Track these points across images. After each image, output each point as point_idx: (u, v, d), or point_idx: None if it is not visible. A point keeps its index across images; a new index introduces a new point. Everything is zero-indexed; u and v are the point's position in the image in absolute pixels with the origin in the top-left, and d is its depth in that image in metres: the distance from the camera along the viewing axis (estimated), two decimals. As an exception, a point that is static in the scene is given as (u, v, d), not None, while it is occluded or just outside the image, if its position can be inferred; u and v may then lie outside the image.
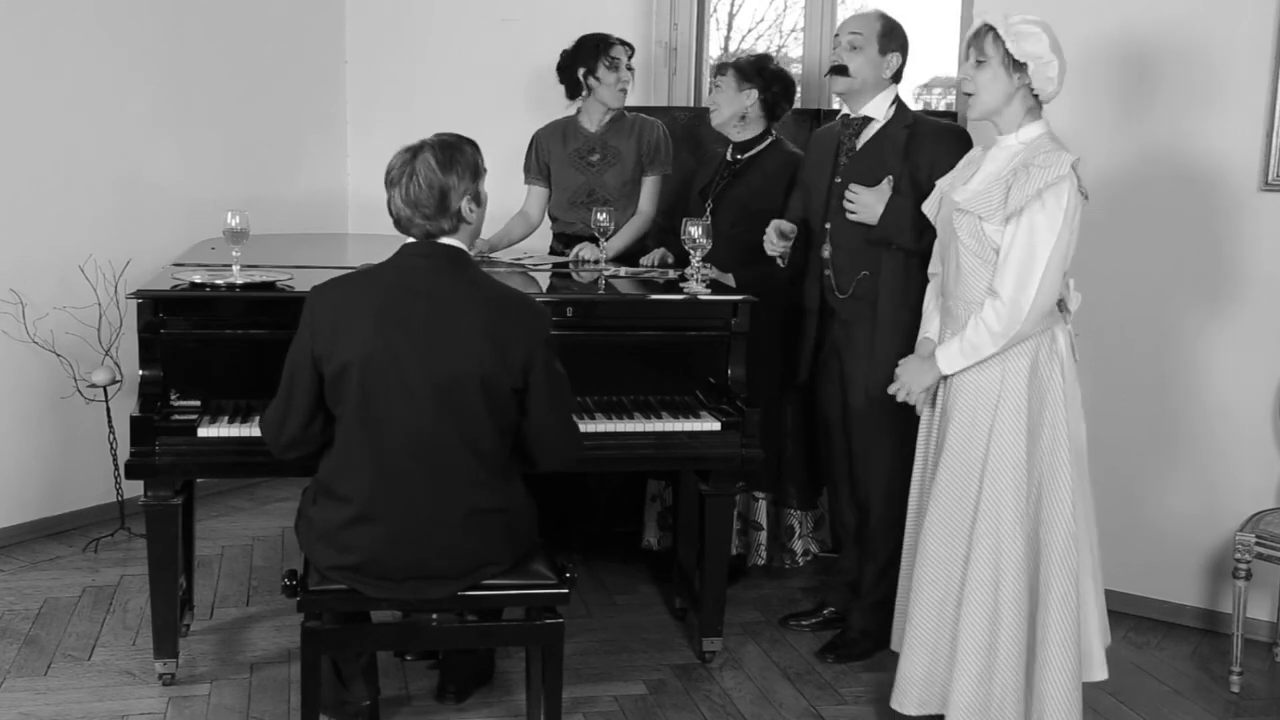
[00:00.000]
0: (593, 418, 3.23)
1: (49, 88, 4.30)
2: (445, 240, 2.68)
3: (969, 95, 2.94)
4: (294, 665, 3.27)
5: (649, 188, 4.18)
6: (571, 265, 3.93)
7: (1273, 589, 3.74)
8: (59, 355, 4.34)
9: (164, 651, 3.26)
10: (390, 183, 2.65)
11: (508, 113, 4.84)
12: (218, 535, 4.49)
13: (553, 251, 4.26)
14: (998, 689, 2.87)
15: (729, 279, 3.70)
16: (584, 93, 4.12)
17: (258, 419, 3.02)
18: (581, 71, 4.09)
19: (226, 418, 3.10)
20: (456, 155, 2.65)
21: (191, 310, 3.17)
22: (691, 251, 3.47)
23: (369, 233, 4.93)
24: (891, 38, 3.42)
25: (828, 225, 3.49)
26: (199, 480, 3.90)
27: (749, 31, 5.66)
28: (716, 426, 3.26)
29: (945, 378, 3.00)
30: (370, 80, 5.30)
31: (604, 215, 3.81)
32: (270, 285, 3.25)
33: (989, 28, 2.87)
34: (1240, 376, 3.73)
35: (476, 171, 2.68)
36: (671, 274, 3.77)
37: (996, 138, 2.98)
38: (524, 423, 2.72)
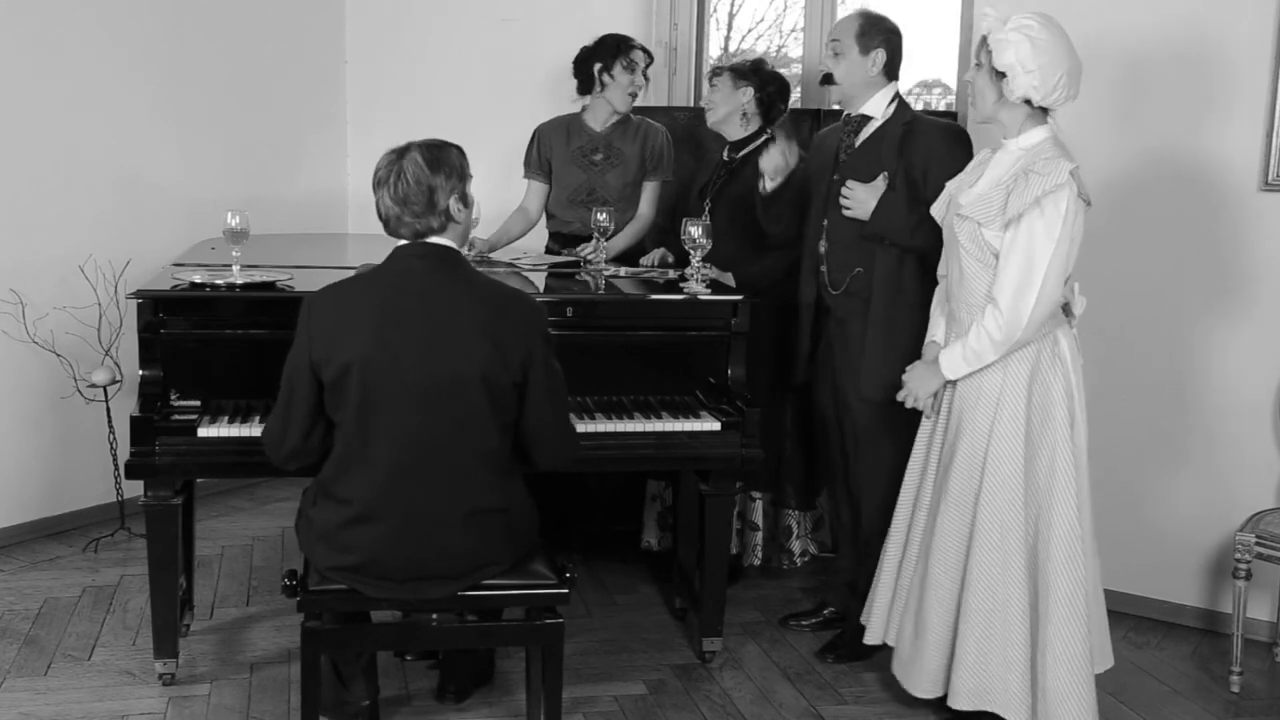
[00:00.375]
0: (593, 418, 3.23)
1: (49, 88, 4.30)
2: (437, 240, 2.68)
3: (973, 100, 2.99)
4: (294, 665, 3.27)
5: (649, 192, 4.18)
6: (579, 258, 3.92)
7: (1273, 589, 3.74)
8: (59, 355, 4.34)
9: (164, 651, 3.26)
10: (378, 183, 2.67)
11: (508, 112, 4.84)
12: (218, 535, 4.49)
13: (549, 251, 4.26)
14: (998, 680, 2.93)
15: (729, 278, 3.70)
16: (595, 89, 4.12)
17: (258, 420, 3.04)
18: (598, 67, 4.08)
19: (226, 418, 3.10)
20: (442, 156, 2.67)
21: (191, 310, 3.17)
22: (691, 251, 3.48)
23: (369, 233, 4.93)
24: (871, 35, 3.41)
25: (825, 221, 3.50)
26: (199, 480, 3.90)
27: (749, 31, 5.66)
28: (716, 426, 3.26)
29: (950, 383, 3.01)
30: (370, 80, 5.30)
31: (604, 215, 3.81)
32: (270, 285, 3.25)
33: (985, 35, 2.90)
34: (1240, 376, 3.73)
35: (463, 173, 2.70)
36: (671, 274, 3.78)
37: (1001, 141, 2.99)
38: (522, 420, 2.72)
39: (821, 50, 4.59)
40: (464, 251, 2.77)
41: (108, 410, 4.34)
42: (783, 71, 4.00)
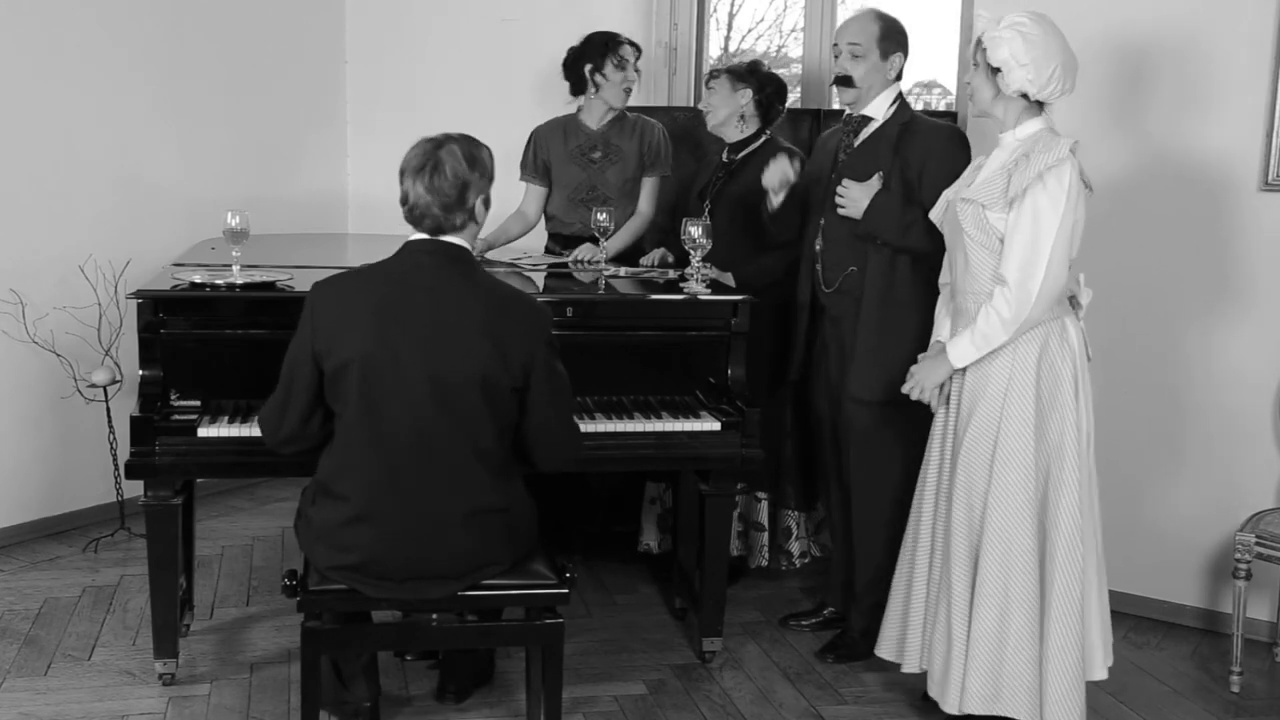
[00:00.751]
0: (593, 418, 3.23)
1: (49, 88, 4.30)
2: (450, 239, 2.68)
3: (971, 96, 3.00)
4: (294, 665, 3.27)
5: (648, 189, 4.18)
6: (571, 265, 3.93)
7: (1273, 589, 3.74)
8: (59, 355, 4.34)
9: (164, 651, 3.26)
10: (412, 170, 2.64)
11: (508, 113, 4.83)
12: (218, 535, 4.49)
13: (549, 252, 4.26)
14: (1008, 678, 2.90)
15: (728, 278, 3.70)
16: (589, 90, 4.12)
17: (257, 417, 3.03)
18: (588, 68, 4.08)
19: (226, 418, 3.10)
20: (478, 153, 2.69)
21: (191, 310, 3.17)
22: (691, 251, 3.48)
23: (369, 233, 4.94)
24: (891, 39, 3.42)
25: (822, 221, 3.50)
26: (199, 480, 3.90)
27: (749, 31, 5.66)
28: (716, 426, 3.26)
29: (959, 373, 3.00)
30: (370, 80, 5.30)
31: (604, 215, 3.81)
32: (270, 285, 3.25)
33: (980, 35, 2.93)
34: (1240, 376, 3.73)
35: (491, 175, 2.72)
36: (671, 274, 3.78)
37: (998, 135, 3.01)
38: (524, 422, 2.72)
39: (822, 50, 4.60)
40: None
41: (108, 410, 4.34)
42: (783, 71, 4.01)
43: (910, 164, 3.33)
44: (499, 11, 5.03)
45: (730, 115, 3.86)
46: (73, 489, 4.49)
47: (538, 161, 4.22)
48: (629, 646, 3.65)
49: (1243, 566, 3.40)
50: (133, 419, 3.02)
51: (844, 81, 3.43)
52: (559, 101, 4.25)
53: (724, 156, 3.97)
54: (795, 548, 4.08)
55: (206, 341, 3.18)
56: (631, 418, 3.26)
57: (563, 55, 4.16)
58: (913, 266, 3.33)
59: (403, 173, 2.67)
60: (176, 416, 3.07)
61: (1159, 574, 3.91)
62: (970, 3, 4.05)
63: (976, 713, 2.95)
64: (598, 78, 4.08)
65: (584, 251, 3.95)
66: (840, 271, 3.46)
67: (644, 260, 3.99)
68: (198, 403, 3.13)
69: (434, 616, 2.78)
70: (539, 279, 3.75)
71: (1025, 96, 2.91)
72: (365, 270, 2.73)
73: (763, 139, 3.90)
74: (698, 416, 3.29)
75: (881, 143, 3.40)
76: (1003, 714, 2.92)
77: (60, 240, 4.35)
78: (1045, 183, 2.81)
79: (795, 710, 3.30)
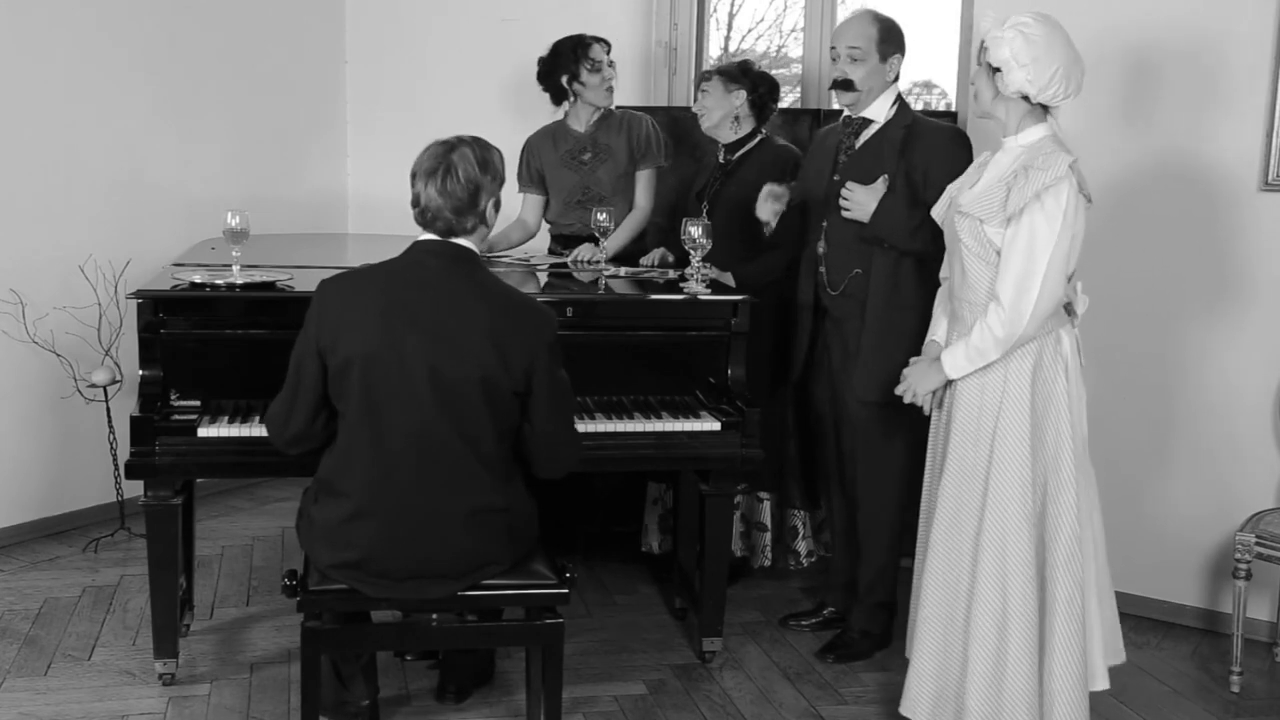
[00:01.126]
0: (593, 418, 3.23)
1: (49, 88, 4.30)
2: (459, 241, 2.68)
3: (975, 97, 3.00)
4: (294, 665, 3.27)
5: (644, 182, 4.18)
6: (571, 265, 3.93)
7: (1273, 589, 3.74)
8: (59, 355, 4.34)
9: (164, 651, 3.26)
10: (425, 173, 2.64)
11: (508, 113, 4.84)
12: (218, 535, 4.49)
13: (551, 253, 4.26)
14: (1009, 695, 2.84)
15: (728, 278, 3.70)
16: (570, 98, 4.13)
17: (258, 419, 3.04)
18: (565, 78, 4.10)
19: (226, 418, 3.10)
20: (490, 157, 2.69)
21: (191, 310, 3.17)
22: (691, 251, 3.48)
23: (369, 233, 4.94)
24: (890, 41, 3.41)
25: (825, 223, 3.50)
26: (199, 480, 3.90)
27: (749, 31, 5.65)
28: (716, 426, 3.26)
29: (951, 382, 3.00)
30: (370, 80, 5.30)
31: (604, 215, 3.81)
32: (270, 285, 3.25)
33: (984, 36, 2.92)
34: (1241, 376, 3.73)
35: (502, 179, 2.72)
36: (671, 274, 3.78)
37: (1001, 140, 2.99)
38: (525, 428, 2.72)
39: (822, 50, 4.60)
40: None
41: (108, 410, 4.34)
42: (783, 71, 4.01)
43: (915, 166, 3.33)
44: (499, 11, 5.03)
45: (724, 117, 3.86)
46: (73, 489, 4.50)
47: (531, 171, 4.24)
48: (629, 646, 3.65)
49: (1243, 566, 3.40)
50: (133, 419, 3.02)
51: (844, 86, 3.41)
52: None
53: (720, 157, 3.97)
54: (802, 547, 4.08)
55: (206, 341, 3.18)
56: (631, 418, 3.26)
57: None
58: (918, 268, 3.33)
59: (414, 175, 2.67)
60: (176, 416, 3.07)
61: (1159, 574, 3.91)
62: (970, 2, 4.05)
63: None
64: (576, 85, 4.10)
65: (584, 251, 3.95)
66: (845, 274, 3.46)
67: (644, 260, 3.99)
68: (198, 403, 3.13)
69: (434, 616, 2.78)
70: (541, 279, 3.75)
71: (1026, 99, 2.89)
72: (371, 269, 2.73)
73: (758, 138, 3.90)
74: (698, 416, 3.29)
75: (884, 145, 3.40)
76: None
77: (60, 240, 4.35)
78: (1043, 202, 2.80)
79: (795, 710, 3.30)
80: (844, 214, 3.36)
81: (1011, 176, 2.86)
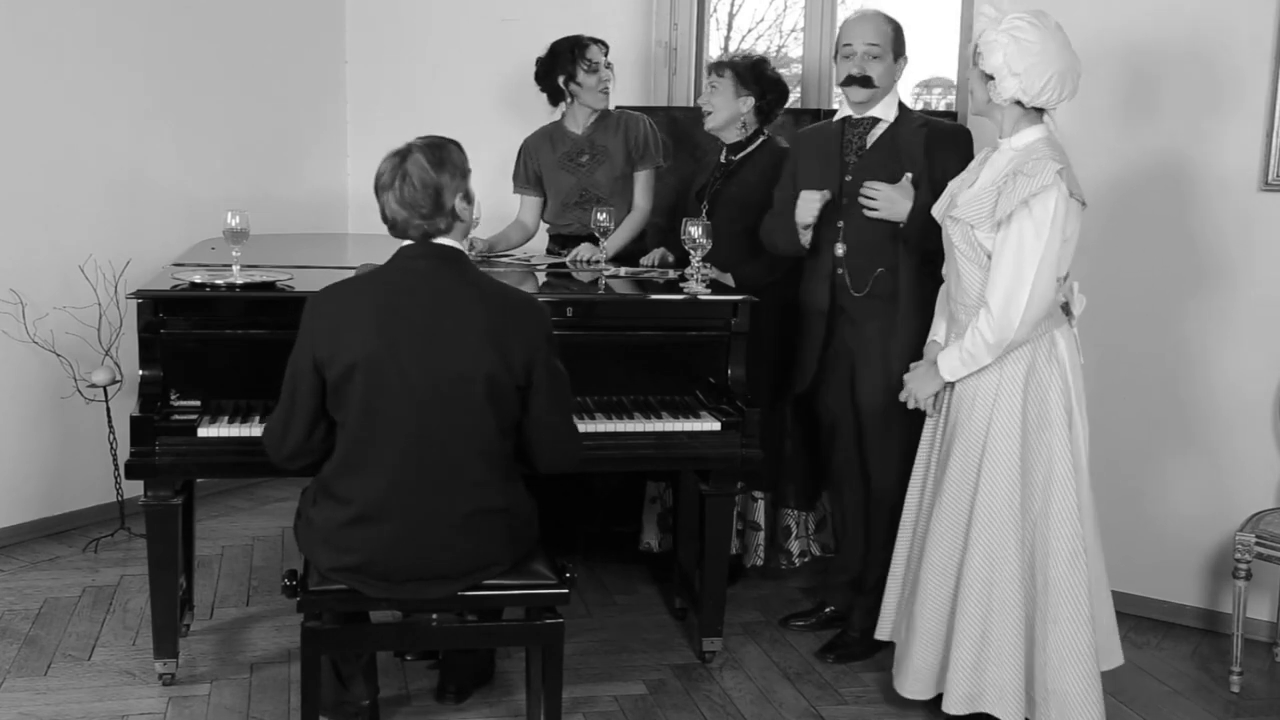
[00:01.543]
0: (593, 418, 3.23)
1: (49, 88, 4.30)
2: (442, 240, 2.68)
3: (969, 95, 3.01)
4: (294, 665, 3.27)
5: (642, 182, 4.18)
6: (571, 265, 3.93)
7: (1273, 589, 3.74)
8: (59, 355, 4.34)
9: (164, 651, 3.26)
10: (381, 187, 2.65)
11: (508, 113, 4.84)
12: (218, 535, 4.49)
13: (550, 253, 4.26)
14: (991, 684, 2.94)
15: (727, 279, 3.70)
16: (567, 99, 4.13)
17: (258, 419, 3.04)
18: (562, 79, 4.10)
19: (226, 418, 3.10)
20: (445, 154, 2.66)
21: (191, 310, 3.17)
22: (691, 251, 3.47)
23: (369, 233, 4.93)
24: (900, 42, 3.44)
25: (840, 224, 3.47)
26: (199, 480, 3.90)
27: (749, 31, 5.66)
28: (716, 426, 3.26)
29: (949, 384, 3.02)
30: (370, 80, 5.30)
31: (604, 215, 3.81)
32: (270, 285, 3.25)
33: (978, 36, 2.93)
34: (1241, 376, 3.73)
35: (465, 170, 2.69)
36: (671, 274, 3.78)
37: (997, 140, 3.00)
38: (525, 422, 2.72)
39: (822, 50, 4.60)
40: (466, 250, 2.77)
41: (108, 410, 4.34)
42: (783, 72, 4.00)
43: (936, 165, 3.31)
44: (499, 11, 5.03)
45: (730, 120, 3.85)
46: (73, 489, 4.50)
47: (529, 173, 4.24)
48: (629, 646, 3.65)
49: (1243, 566, 3.40)
50: (133, 419, 3.02)
51: (864, 82, 3.39)
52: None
53: (722, 157, 3.97)
54: (795, 547, 4.08)
55: (206, 341, 3.18)
56: (631, 418, 3.26)
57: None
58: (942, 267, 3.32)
59: (375, 190, 2.67)
60: (176, 416, 3.06)
61: (1159, 574, 3.91)
62: (970, 2, 4.05)
63: (959, 713, 2.99)
64: (572, 86, 4.10)
65: (584, 251, 3.95)
66: (869, 274, 3.42)
67: (644, 260, 3.99)
68: (198, 403, 3.13)
69: (434, 616, 2.78)
70: (540, 279, 3.75)
71: (1020, 104, 2.90)
72: (362, 277, 2.73)
73: (761, 140, 3.90)
74: (698, 416, 3.29)
75: (897, 143, 3.39)
76: (986, 711, 2.97)
77: (60, 240, 4.35)
78: (1031, 209, 2.81)
79: (795, 710, 3.30)
80: (869, 214, 3.32)
81: (1002, 181, 2.87)
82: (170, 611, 3.22)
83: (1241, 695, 3.45)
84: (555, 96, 4.17)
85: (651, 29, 4.79)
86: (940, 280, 3.22)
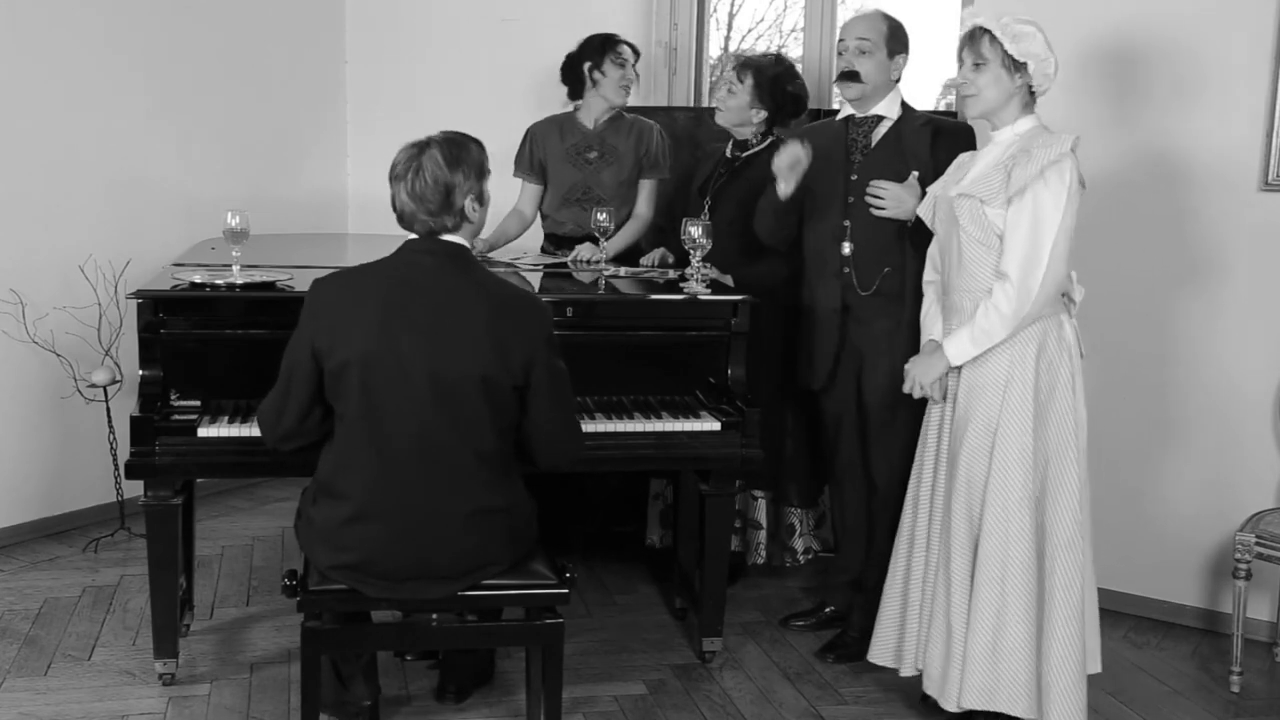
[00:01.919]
0: (593, 418, 3.23)
1: (49, 88, 4.30)
2: (448, 238, 2.68)
3: (968, 97, 2.97)
4: (294, 665, 3.27)
5: (646, 191, 4.17)
6: (571, 265, 3.93)
7: (1273, 589, 3.74)
8: (59, 355, 4.34)
9: (164, 651, 3.26)
10: (395, 177, 2.65)
11: (508, 113, 4.83)
12: (218, 535, 4.49)
13: (544, 252, 4.26)
14: (1005, 675, 2.91)
15: (728, 279, 3.70)
16: (587, 87, 4.11)
17: (256, 414, 3.03)
18: (587, 66, 4.08)
19: (226, 418, 3.10)
20: (463, 153, 2.65)
21: (191, 310, 3.17)
22: (691, 251, 3.47)
23: (369, 233, 4.94)
24: (897, 39, 3.43)
25: (847, 223, 3.47)
26: (199, 480, 3.90)
27: (749, 31, 5.66)
28: (716, 426, 3.26)
29: (955, 370, 3.00)
30: (370, 81, 5.30)
31: (604, 215, 3.81)
32: (270, 285, 3.25)
33: (984, 30, 2.91)
34: (1240, 376, 3.73)
35: (481, 171, 2.69)
36: (671, 274, 3.78)
37: (990, 134, 3.02)
38: (525, 421, 2.72)
39: (822, 50, 4.60)
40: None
41: (108, 410, 4.34)
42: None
43: (943, 163, 3.30)
44: (499, 11, 5.03)
45: (741, 124, 3.86)
46: (73, 489, 4.49)
47: (534, 159, 4.22)
48: (629, 646, 3.65)
49: (1243, 566, 3.40)
50: (133, 419, 3.02)
51: (850, 76, 3.41)
52: (558, 102, 4.25)
53: (729, 153, 3.96)
54: (799, 544, 4.08)
55: (206, 341, 3.18)
56: (631, 418, 3.26)
57: (563, 55, 4.16)
58: None
59: (390, 178, 2.67)
60: (176, 416, 3.06)
61: (1159, 574, 3.91)
62: (971, 2, 4.05)
63: (976, 708, 2.96)
64: (596, 74, 4.07)
65: (584, 251, 3.95)
66: (877, 273, 3.42)
67: (644, 260, 3.99)
68: (198, 403, 3.13)
69: (434, 616, 2.78)
70: (537, 279, 3.75)
71: (1032, 92, 2.93)
72: (365, 268, 2.72)
73: (769, 140, 3.89)
74: (698, 416, 3.29)
75: (902, 141, 3.39)
76: (1001, 710, 2.93)
77: (60, 240, 4.35)
78: (1047, 179, 2.82)
79: (795, 710, 3.30)
80: (877, 212, 3.32)
81: (1010, 160, 2.88)
82: (170, 611, 3.22)
83: (1241, 695, 3.45)
84: (576, 88, 4.14)
85: (651, 29, 4.79)
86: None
